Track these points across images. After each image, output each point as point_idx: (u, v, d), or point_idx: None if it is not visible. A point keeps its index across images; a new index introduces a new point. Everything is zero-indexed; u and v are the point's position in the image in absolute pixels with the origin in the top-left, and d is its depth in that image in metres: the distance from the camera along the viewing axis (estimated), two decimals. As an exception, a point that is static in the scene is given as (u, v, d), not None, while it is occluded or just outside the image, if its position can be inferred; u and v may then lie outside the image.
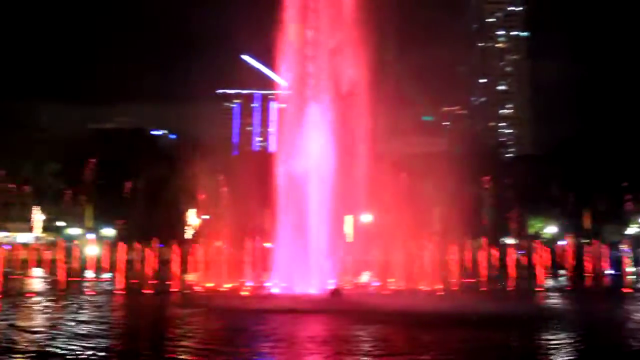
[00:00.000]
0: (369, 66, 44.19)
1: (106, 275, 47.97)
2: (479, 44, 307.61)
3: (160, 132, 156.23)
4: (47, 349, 19.58)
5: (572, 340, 21.73)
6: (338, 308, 31.07)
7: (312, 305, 32.25)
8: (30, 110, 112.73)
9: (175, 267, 47.43)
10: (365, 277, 45.14)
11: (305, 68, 46.09)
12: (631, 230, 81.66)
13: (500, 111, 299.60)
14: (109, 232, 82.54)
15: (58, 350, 19.20)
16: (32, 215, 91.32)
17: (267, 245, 46.48)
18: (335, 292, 36.00)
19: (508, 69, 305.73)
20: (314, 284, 40.49)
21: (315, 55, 45.78)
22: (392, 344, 21.26)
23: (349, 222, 51.50)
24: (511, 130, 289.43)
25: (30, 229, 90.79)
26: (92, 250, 63.18)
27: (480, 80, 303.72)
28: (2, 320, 26.08)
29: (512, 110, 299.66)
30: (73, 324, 25.15)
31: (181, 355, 19.05)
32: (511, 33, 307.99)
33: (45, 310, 30.76)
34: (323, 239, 43.75)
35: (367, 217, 62.76)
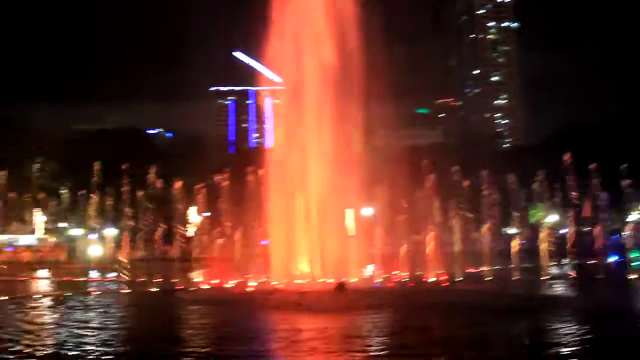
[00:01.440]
0: (361, 60, 44.40)
1: (110, 275, 47.90)
2: (470, 36, 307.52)
3: (155, 131, 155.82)
4: (57, 350, 19.54)
5: (581, 329, 21.77)
6: (344, 302, 31.12)
7: (318, 300, 32.37)
8: (26, 112, 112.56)
9: (179, 265, 47.50)
10: (369, 270, 45.19)
11: (297, 63, 46.25)
12: (633, 217, 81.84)
13: (495, 102, 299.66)
14: (111, 232, 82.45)
15: (66, 352, 19.13)
16: (33, 217, 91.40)
17: (266, 241, 46.57)
18: (340, 286, 36.03)
19: (500, 60, 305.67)
20: (319, 278, 40.66)
21: (306, 50, 45.95)
22: (405, 340, 20.85)
23: (350, 215, 51.57)
24: (506, 121, 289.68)
25: (32, 231, 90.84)
26: (95, 250, 63.19)
27: (474, 72, 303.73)
28: (9, 322, 26.08)
29: (505, 101, 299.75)
30: (78, 324, 25.01)
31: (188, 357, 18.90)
32: (502, 24, 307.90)
33: (50, 311, 30.73)
34: (326, 233, 43.94)
35: (368, 211, 62.79)
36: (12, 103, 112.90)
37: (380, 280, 42.34)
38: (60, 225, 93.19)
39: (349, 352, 18.62)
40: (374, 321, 24.67)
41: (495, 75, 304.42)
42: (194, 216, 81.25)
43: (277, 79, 52.01)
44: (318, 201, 44.42)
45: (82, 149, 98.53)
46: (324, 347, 19.50)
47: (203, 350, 19.42)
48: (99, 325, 24.71)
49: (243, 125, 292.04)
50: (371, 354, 18.51)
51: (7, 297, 35.01)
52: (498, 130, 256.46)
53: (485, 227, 55.16)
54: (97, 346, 19.98)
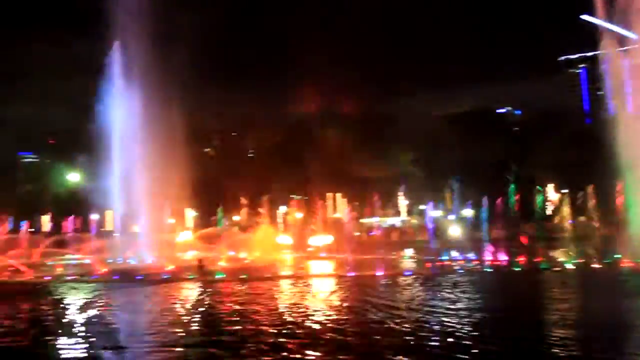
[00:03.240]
0: None
1: (470, 255, 49.33)
2: None
3: (504, 110, 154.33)
4: (423, 325, 20.79)
5: None
6: None
7: None
8: (398, 103, 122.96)
9: (538, 244, 46.66)
10: None
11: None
12: None
13: None
14: (468, 212, 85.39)
15: (435, 326, 20.30)
16: (397, 201, 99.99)
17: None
18: None
19: None
20: None
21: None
22: None
23: None
24: None
25: (397, 214, 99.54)
26: (454, 230, 65.83)
27: None
28: (377, 297, 28.77)
29: None
30: (446, 302, 26.41)
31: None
32: None
33: (417, 288, 33.04)
34: None
35: None
36: (388, 97, 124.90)
37: None
38: (421, 207, 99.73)
39: None
40: None
41: None
42: (552, 194, 79.14)
43: (633, 36, 47.61)
44: None
45: (439, 133, 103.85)
46: None
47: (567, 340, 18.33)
48: (460, 301, 26.10)
49: (598, 92, 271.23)
50: None
51: (382, 273, 38.79)
52: None
53: None
54: (451, 318, 21.05)
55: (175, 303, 29.19)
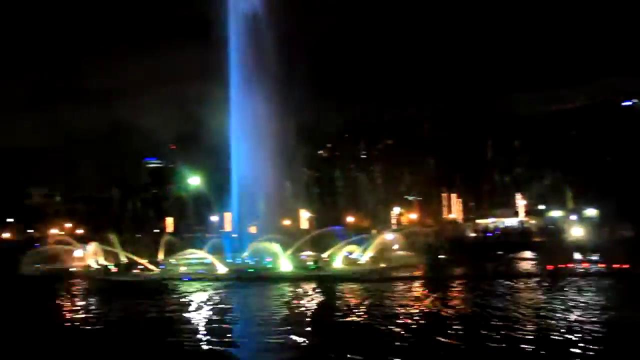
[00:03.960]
0: None
1: (594, 257, 46.84)
2: None
3: (630, 102, 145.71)
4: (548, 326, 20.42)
5: None
6: None
7: None
8: (505, 100, 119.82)
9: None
10: None
11: None
12: None
13: None
14: (591, 212, 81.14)
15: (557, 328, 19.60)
16: (515, 201, 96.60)
17: None
18: None
19: None
20: None
21: None
22: None
23: None
24: None
25: (515, 214, 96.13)
26: (576, 231, 62.91)
27: None
28: (504, 298, 28.36)
29: None
30: (568, 308, 25.42)
31: None
32: None
33: (537, 291, 31.83)
34: None
35: None
36: (499, 93, 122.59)
37: None
38: (540, 207, 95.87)
39: None
40: None
41: None
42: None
43: None
44: None
45: (551, 131, 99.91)
46: None
47: None
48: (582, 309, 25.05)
49: None
50: None
51: (501, 276, 37.85)
52: None
53: None
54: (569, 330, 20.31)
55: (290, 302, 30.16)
